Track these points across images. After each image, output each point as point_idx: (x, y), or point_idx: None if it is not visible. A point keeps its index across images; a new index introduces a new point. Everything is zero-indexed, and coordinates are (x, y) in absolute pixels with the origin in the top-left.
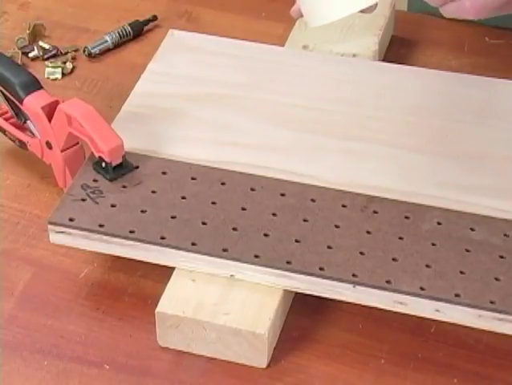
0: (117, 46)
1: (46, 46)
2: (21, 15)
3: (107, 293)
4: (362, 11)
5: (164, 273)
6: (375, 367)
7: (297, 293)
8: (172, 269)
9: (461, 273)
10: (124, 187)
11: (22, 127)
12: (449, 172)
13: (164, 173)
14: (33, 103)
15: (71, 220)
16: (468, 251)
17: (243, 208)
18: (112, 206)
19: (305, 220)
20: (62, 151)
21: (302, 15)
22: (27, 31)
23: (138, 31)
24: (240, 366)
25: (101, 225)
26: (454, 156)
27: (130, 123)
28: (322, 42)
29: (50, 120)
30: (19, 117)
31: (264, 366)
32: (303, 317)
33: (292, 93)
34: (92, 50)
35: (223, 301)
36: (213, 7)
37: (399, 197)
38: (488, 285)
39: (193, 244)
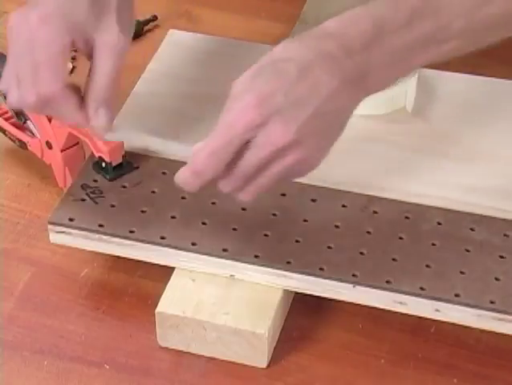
0: None
1: None
2: None
3: (107, 293)
4: None
5: (164, 273)
6: (375, 367)
7: (297, 293)
8: (172, 269)
9: (461, 273)
10: (124, 187)
11: (22, 127)
12: (449, 172)
13: (164, 173)
14: None
15: (70, 220)
16: (468, 251)
17: (243, 208)
18: (112, 206)
19: (305, 221)
20: (62, 151)
21: None
22: None
23: (138, 31)
24: (240, 366)
25: (101, 225)
26: (454, 156)
27: (130, 123)
28: None
29: (50, 120)
30: (19, 117)
31: (264, 366)
32: (303, 317)
33: None
34: None
35: (223, 301)
36: (212, 7)
37: (399, 197)
38: (488, 285)
39: (193, 244)
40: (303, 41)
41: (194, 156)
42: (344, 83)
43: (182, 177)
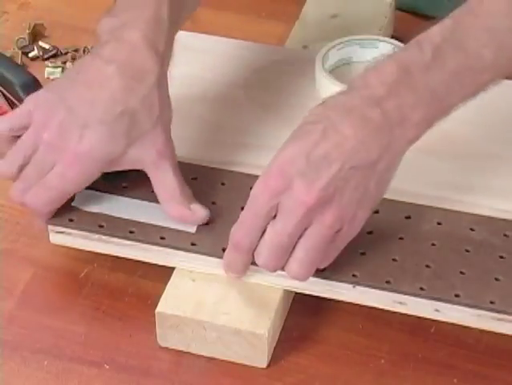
0: None
1: (46, 46)
2: (21, 15)
3: (107, 293)
4: None
5: (164, 273)
6: (375, 367)
7: (297, 293)
8: (172, 269)
9: (461, 273)
10: (124, 187)
11: None
12: (450, 172)
13: None
14: None
15: (70, 220)
16: (468, 251)
17: (243, 208)
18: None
19: None
20: None
21: None
22: (27, 31)
23: None
24: (240, 366)
25: (101, 226)
26: (455, 156)
27: None
28: (322, 42)
29: None
30: None
31: (264, 366)
32: (303, 317)
33: (292, 93)
34: None
35: (223, 301)
36: (213, 7)
37: (399, 197)
38: (488, 285)
39: (193, 244)
40: (329, 101)
41: (231, 234)
42: (372, 134)
43: (225, 259)
